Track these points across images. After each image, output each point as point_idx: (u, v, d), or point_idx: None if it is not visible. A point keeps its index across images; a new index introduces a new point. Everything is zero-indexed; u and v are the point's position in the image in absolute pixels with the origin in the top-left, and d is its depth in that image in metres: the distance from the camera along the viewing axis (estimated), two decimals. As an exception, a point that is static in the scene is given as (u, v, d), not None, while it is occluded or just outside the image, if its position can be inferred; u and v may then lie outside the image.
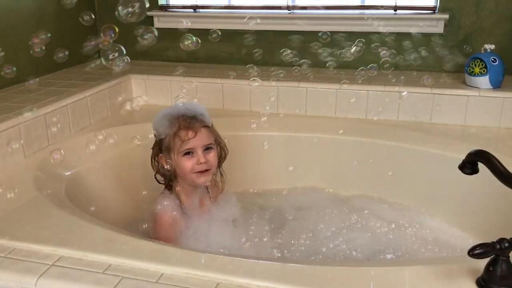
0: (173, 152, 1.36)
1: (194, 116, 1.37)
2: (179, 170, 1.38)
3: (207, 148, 1.38)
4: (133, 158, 1.44)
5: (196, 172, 1.37)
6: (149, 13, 2.38)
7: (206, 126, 1.38)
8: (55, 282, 0.96)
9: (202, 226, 1.40)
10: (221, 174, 1.49)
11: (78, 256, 1.03)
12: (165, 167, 1.36)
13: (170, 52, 2.42)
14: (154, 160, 1.42)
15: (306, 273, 0.98)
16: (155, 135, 1.41)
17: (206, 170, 1.38)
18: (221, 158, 1.46)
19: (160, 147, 1.39)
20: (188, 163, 1.36)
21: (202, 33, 1.51)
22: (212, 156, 1.39)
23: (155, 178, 1.44)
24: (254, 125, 1.76)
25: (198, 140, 1.35)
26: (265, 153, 1.89)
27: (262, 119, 1.76)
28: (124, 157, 1.56)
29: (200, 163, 1.35)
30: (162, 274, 0.97)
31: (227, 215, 1.47)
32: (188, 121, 1.36)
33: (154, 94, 2.14)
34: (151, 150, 1.43)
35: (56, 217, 1.20)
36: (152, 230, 1.39)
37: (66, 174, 1.54)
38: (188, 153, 1.36)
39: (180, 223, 1.39)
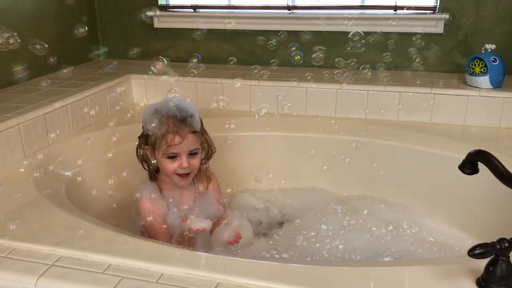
0: (158, 151, 1.37)
1: (184, 119, 1.36)
2: (161, 169, 1.41)
3: (191, 153, 1.39)
4: (133, 157, 1.44)
5: (177, 174, 1.39)
6: (149, 13, 2.38)
7: (194, 132, 1.38)
8: (55, 282, 0.96)
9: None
10: (207, 169, 1.51)
11: (78, 256, 1.03)
12: (150, 160, 1.40)
13: (170, 52, 2.42)
14: (140, 148, 1.43)
15: (306, 273, 0.98)
16: (143, 127, 1.42)
17: (188, 173, 1.40)
18: (207, 155, 1.48)
19: (146, 141, 1.41)
20: (170, 166, 1.37)
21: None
22: (196, 160, 1.40)
23: (142, 163, 1.46)
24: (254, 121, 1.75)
25: (184, 146, 1.36)
26: (265, 153, 1.89)
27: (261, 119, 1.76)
28: (124, 157, 1.56)
29: (183, 167, 1.37)
30: (162, 274, 0.97)
31: (210, 213, 1.45)
32: (177, 125, 1.35)
33: (154, 94, 2.13)
34: (138, 139, 1.44)
35: (56, 217, 1.20)
36: (137, 218, 1.40)
37: (66, 174, 1.54)
38: (173, 156, 1.37)
39: (161, 205, 1.40)
